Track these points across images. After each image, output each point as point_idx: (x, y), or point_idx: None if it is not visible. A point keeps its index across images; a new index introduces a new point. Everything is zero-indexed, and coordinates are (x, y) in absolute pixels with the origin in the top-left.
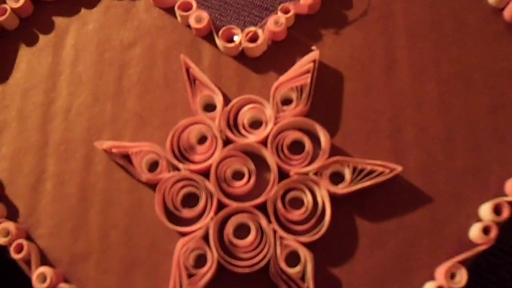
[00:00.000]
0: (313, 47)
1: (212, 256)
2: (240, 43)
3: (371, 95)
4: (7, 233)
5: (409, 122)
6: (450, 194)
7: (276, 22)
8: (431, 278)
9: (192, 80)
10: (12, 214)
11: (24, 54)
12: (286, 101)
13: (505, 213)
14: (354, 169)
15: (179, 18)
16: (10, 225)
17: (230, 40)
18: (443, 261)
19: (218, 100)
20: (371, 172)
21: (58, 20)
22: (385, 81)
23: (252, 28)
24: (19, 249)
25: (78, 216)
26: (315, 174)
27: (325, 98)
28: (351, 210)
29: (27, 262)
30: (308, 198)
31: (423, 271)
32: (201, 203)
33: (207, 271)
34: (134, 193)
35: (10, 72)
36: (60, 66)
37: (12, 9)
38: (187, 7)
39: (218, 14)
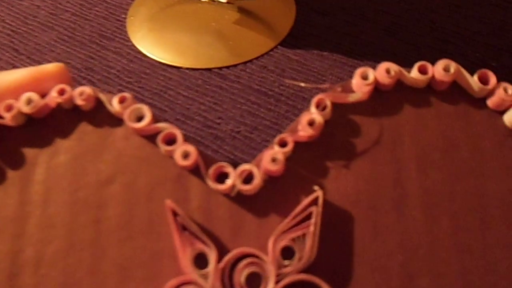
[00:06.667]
0: (316, 187)
1: None
2: (233, 185)
3: (381, 237)
4: None
5: (423, 268)
6: None
7: (273, 159)
8: None
9: (181, 229)
10: None
11: None
12: (288, 252)
13: None
14: None
15: (162, 151)
16: None
17: (221, 177)
18: None
19: (212, 256)
20: None
21: (25, 150)
22: (395, 219)
23: (247, 166)
24: None
25: None
26: None
27: (330, 243)
28: None
29: None
30: None
31: None
32: None
33: None
34: None
35: None
36: (28, 206)
37: None
38: (170, 139)
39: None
